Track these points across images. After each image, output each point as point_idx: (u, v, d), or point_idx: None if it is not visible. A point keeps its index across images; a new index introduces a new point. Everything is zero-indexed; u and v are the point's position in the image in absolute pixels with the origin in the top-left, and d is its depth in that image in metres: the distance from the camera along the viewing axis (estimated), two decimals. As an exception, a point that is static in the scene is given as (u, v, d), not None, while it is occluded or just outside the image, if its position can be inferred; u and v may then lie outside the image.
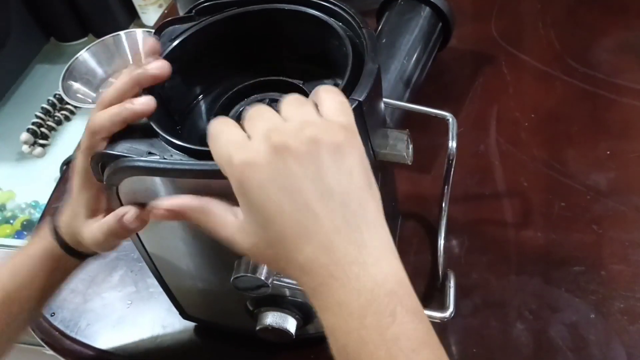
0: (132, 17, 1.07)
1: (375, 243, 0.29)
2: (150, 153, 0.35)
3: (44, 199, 0.84)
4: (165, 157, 0.35)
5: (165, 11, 0.95)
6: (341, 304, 0.28)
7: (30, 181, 0.92)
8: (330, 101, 0.31)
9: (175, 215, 0.34)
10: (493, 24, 0.72)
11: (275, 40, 0.44)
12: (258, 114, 0.31)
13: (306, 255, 0.29)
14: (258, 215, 0.30)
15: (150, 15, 1.00)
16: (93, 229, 0.38)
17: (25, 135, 0.89)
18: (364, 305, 0.28)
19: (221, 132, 0.31)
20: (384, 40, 0.62)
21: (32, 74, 1.13)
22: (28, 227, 0.94)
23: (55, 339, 0.54)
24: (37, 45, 1.22)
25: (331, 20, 0.41)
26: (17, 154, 0.94)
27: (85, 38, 1.22)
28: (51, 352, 0.55)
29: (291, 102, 0.32)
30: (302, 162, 0.29)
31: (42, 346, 0.55)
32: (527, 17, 0.73)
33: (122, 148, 0.35)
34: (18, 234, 0.95)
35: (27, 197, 0.95)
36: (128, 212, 0.36)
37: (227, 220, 0.32)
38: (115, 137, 0.36)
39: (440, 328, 0.48)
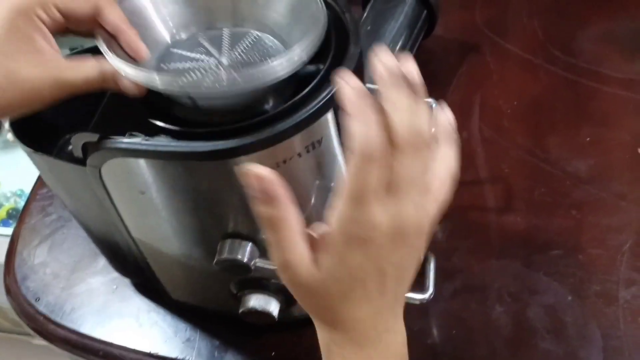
0: (118, 5, 1.06)
1: (401, 314, 0.33)
2: (131, 134, 0.35)
3: (29, 188, 0.84)
4: (147, 138, 0.35)
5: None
6: None
7: (15, 169, 0.92)
8: (445, 172, 0.32)
9: (259, 194, 0.29)
10: (478, 12, 0.73)
11: None
12: (411, 178, 0.28)
13: (354, 316, 0.30)
14: (342, 270, 0.29)
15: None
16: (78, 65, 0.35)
17: (10, 123, 0.88)
18: None
19: (363, 193, 0.27)
20: (368, 27, 0.62)
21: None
22: (14, 216, 0.94)
23: (40, 324, 0.54)
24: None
25: None
26: (1, 142, 0.93)
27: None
28: (38, 342, 0.55)
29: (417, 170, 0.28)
30: (408, 256, 0.30)
31: (28, 334, 0.55)
32: (512, 5, 0.73)
33: (105, 128, 0.35)
34: (4, 223, 0.95)
35: (13, 186, 0.95)
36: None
37: (297, 248, 0.30)
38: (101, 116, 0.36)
39: (422, 311, 0.49)
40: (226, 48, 0.40)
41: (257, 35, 0.40)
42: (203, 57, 0.39)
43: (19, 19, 0.34)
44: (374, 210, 0.28)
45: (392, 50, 0.62)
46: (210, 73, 0.37)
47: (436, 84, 0.66)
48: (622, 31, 0.68)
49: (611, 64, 0.64)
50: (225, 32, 0.41)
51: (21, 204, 0.91)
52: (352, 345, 0.31)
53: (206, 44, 0.40)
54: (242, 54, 0.39)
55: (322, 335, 0.32)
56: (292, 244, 0.29)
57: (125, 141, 0.34)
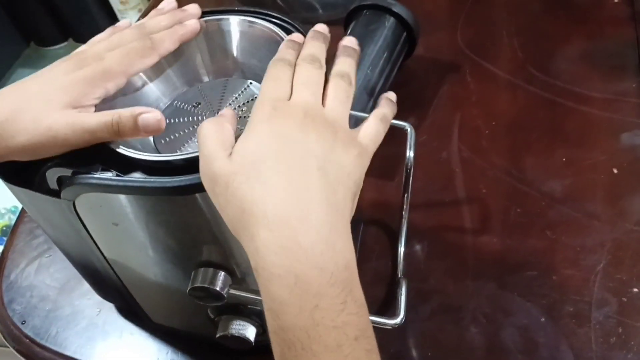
0: (112, 22, 1.08)
1: (343, 231, 0.30)
2: (104, 169, 0.36)
3: (21, 205, 0.85)
4: (118, 173, 0.36)
5: (142, 18, 0.96)
6: (300, 278, 0.28)
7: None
8: (373, 128, 0.37)
9: None
10: (459, 32, 0.74)
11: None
12: (311, 77, 0.35)
13: (279, 210, 0.29)
14: (264, 147, 0.31)
15: (130, 19, 1.01)
16: (79, 119, 0.36)
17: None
18: (323, 286, 0.28)
19: (276, 72, 0.35)
20: (348, 51, 0.63)
21: (13, 78, 1.14)
22: (8, 233, 0.95)
23: (26, 346, 0.55)
24: (17, 50, 1.22)
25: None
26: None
27: (66, 42, 1.23)
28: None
29: (342, 90, 0.35)
30: (319, 141, 0.32)
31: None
32: (493, 26, 0.74)
33: (77, 162, 0.37)
34: (-2, 240, 0.96)
35: (7, 203, 0.96)
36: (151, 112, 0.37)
37: (231, 131, 0.33)
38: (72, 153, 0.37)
39: (399, 332, 0.50)
40: (225, 101, 0.43)
41: (250, 83, 0.44)
42: (199, 111, 0.43)
43: (83, 93, 0.37)
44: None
45: (372, 73, 0.63)
46: None
47: (417, 105, 0.67)
48: (599, 51, 0.69)
49: (588, 84, 0.65)
50: (224, 82, 0.45)
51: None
52: (277, 257, 0.28)
53: (206, 96, 0.44)
54: (238, 107, 0.43)
55: (255, 254, 0.29)
56: (229, 128, 0.34)
57: (97, 176, 0.35)
